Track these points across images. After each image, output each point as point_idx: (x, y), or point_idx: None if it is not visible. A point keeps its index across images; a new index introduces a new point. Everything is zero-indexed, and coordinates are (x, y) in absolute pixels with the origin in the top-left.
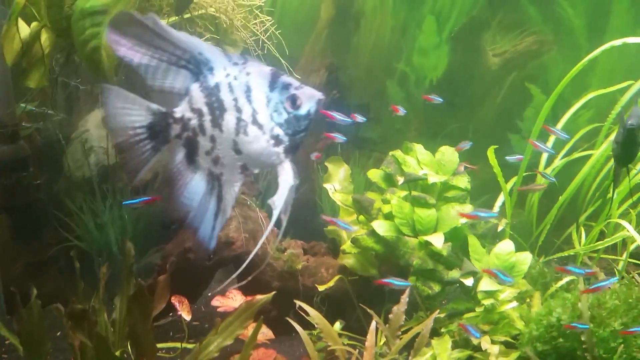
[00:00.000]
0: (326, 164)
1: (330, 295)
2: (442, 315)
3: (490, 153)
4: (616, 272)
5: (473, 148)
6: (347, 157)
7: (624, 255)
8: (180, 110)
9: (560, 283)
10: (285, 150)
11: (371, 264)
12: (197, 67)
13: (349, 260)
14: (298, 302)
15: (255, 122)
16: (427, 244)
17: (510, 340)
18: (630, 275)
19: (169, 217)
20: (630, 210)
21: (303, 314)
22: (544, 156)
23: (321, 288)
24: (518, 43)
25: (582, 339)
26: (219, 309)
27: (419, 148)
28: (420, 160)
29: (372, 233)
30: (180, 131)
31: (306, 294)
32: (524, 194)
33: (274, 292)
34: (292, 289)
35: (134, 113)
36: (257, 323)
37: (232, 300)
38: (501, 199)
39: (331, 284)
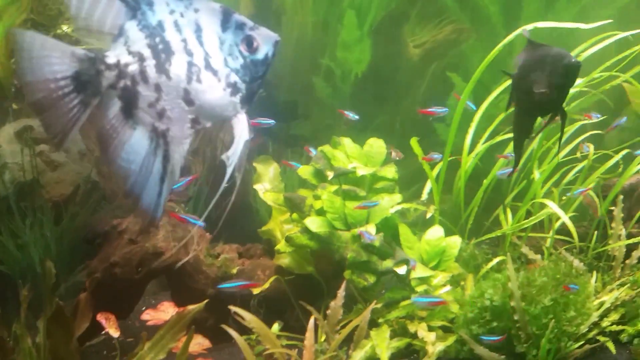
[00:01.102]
0: (255, 164)
1: (268, 296)
2: (379, 306)
3: (414, 143)
4: (544, 250)
5: (402, 138)
6: (279, 155)
7: (550, 233)
8: (115, 55)
9: (490, 264)
10: (241, 100)
11: (307, 262)
12: (133, 0)
13: (284, 260)
14: (233, 308)
15: (209, 67)
16: (360, 236)
17: (447, 324)
18: (558, 251)
19: (92, 231)
20: (553, 189)
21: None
22: (467, 141)
23: (256, 291)
24: (437, 33)
25: (515, 318)
26: (149, 323)
27: (347, 142)
28: (349, 154)
29: (306, 230)
30: (114, 80)
31: (244, 298)
32: (451, 180)
33: (206, 301)
34: (229, 294)
35: (55, 61)
36: (188, 334)
37: (163, 312)
38: (429, 185)
39: (266, 285)
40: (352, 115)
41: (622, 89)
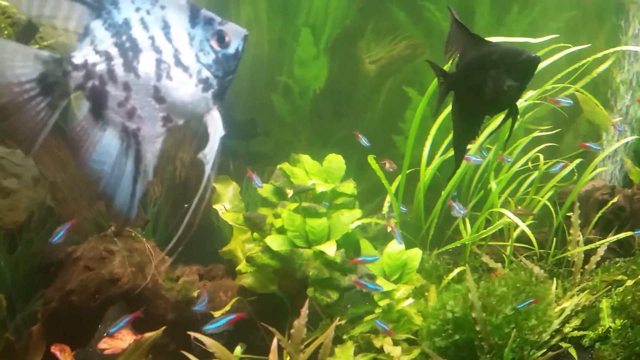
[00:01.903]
0: (214, 184)
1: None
2: (344, 322)
3: (371, 160)
4: (505, 258)
5: (362, 153)
6: (241, 173)
7: (510, 241)
8: (81, 55)
9: (451, 275)
10: (213, 96)
11: (270, 281)
12: (95, 1)
13: (247, 280)
14: (192, 334)
15: (179, 63)
16: (321, 253)
17: (412, 337)
18: (518, 259)
19: (46, 259)
20: (510, 199)
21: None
22: (425, 153)
23: (217, 314)
24: (392, 49)
25: (477, 328)
26: (106, 352)
27: (306, 159)
28: (309, 171)
29: (267, 249)
30: (82, 80)
31: (206, 321)
32: (411, 192)
33: (164, 328)
34: (189, 318)
35: (18, 64)
36: None
37: (120, 341)
38: (389, 199)
39: (227, 307)
40: (364, 141)
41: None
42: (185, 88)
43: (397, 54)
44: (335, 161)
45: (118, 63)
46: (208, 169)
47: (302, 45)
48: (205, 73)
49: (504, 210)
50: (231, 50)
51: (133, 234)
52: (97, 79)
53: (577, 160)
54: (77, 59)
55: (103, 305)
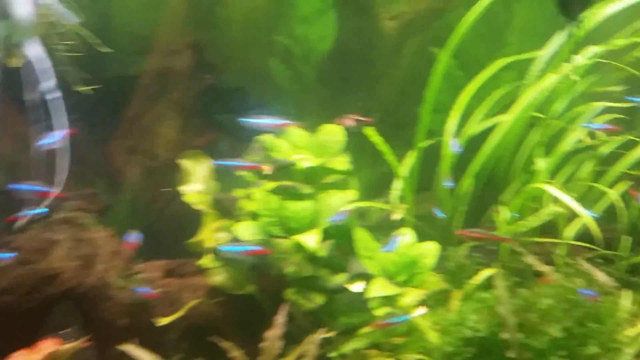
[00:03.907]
0: (180, 161)
1: (195, 325)
2: (332, 335)
3: (370, 132)
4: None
5: (381, 127)
6: (235, 153)
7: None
8: None
9: (478, 277)
10: None
11: (247, 279)
12: None
13: (218, 278)
14: (124, 347)
15: None
16: (303, 244)
17: (425, 358)
18: (575, 262)
19: None
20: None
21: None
22: (452, 127)
23: (164, 321)
24: (417, 2)
25: (511, 355)
26: None
27: (293, 129)
28: (297, 143)
29: (236, 239)
30: None
31: (167, 327)
32: (431, 172)
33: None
34: (146, 324)
35: None
36: None
37: (36, 354)
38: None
39: (181, 313)
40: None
41: None
42: None
43: (424, 8)
44: (334, 133)
45: None
46: None
47: None
48: None
49: (556, 192)
50: None
51: (81, 221)
52: None
53: None
54: None
55: (43, 307)
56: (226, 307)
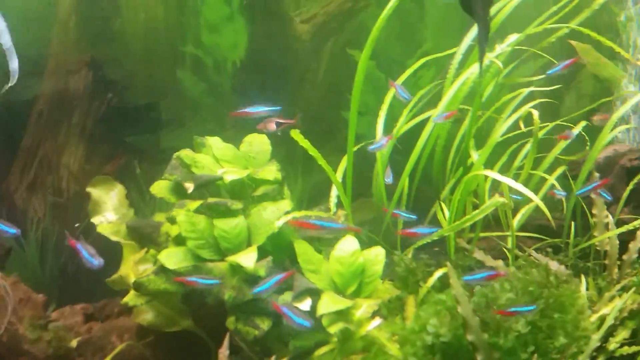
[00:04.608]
0: (89, 189)
1: None
2: None
3: (297, 135)
4: (507, 253)
5: (305, 136)
6: (150, 177)
7: (510, 229)
8: None
9: (431, 280)
10: None
11: (179, 314)
12: None
13: (145, 317)
14: None
15: None
16: (239, 266)
17: None
18: (526, 253)
19: None
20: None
21: None
22: (379, 128)
23: None
24: (327, 3)
25: (479, 358)
26: None
27: (214, 142)
28: (219, 157)
29: (162, 269)
30: None
31: None
32: (365, 178)
33: None
34: None
35: None
36: None
37: None
38: (334, 189)
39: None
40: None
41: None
42: None
43: (335, 9)
44: (258, 142)
45: None
46: None
47: (209, 5)
48: None
49: (492, 174)
50: None
51: None
52: None
53: (582, 123)
54: None
55: None
56: (160, 347)
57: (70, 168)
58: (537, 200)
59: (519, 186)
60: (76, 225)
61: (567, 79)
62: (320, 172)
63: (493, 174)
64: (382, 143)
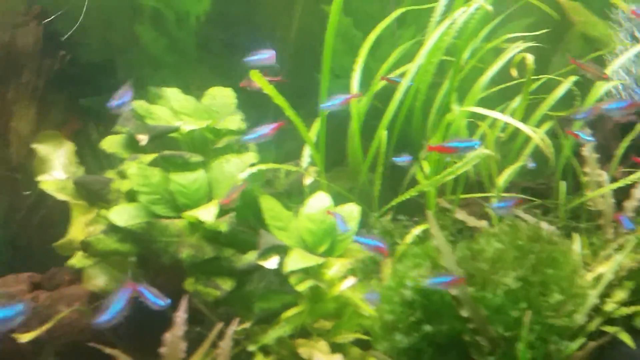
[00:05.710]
0: (34, 145)
1: (76, 343)
2: (249, 325)
3: (256, 75)
4: (491, 214)
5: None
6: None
7: (495, 190)
8: None
9: (409, 236)
10: None
11: (133, 276)
12: None
13: (96, 282)
14: None
15: None
16: (199, 222)
17: (364, 337)
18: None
19: None
20: (484, 126)
21: None
22: (354, 84)
23: (25, 337)
24: None
25: (464, 314)
26: None
27: (173, 93)
28: (178, 110)
29: (113, 228)
30: None
31: (41, 348)
32: (339, 133)
33: None
34: (8, 351)
35: None
36: None
37: None
38: (307, 149)
39: (49, 325)
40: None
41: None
42: None
43: None
44: (221, 95)
45: None
46: None
47: None
48: None
49: (479, 110)
50: None
51: None
52: None
53: (572, 78)
54: None
55: None
56: None
57: (19, 133)
58: (533, 135)
59: (510, 119)
60: (26, 192)
61: (555, 39)
62: (294, 139)
63: (480, 110)
64: (337, 101)
